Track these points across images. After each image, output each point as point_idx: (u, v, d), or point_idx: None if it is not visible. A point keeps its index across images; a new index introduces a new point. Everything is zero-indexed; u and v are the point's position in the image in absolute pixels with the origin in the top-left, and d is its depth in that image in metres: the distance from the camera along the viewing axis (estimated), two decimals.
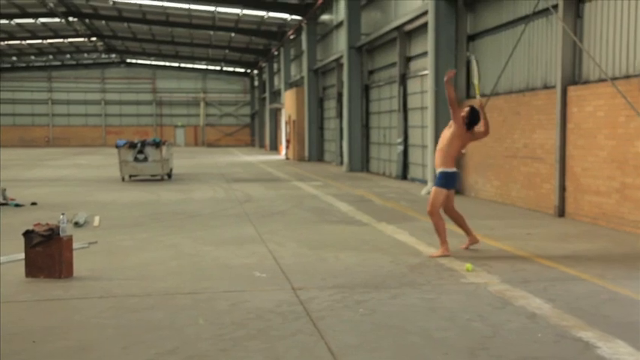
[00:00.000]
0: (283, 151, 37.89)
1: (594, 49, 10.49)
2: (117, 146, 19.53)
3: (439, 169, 8.01)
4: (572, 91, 10.86)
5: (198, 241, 9.03)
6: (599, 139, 10.18)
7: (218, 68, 59.30)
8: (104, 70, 60.32)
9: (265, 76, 49.24)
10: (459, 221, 8.24)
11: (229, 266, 7.40)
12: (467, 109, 8.14)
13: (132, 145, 19.31)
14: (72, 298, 6.08)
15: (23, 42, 47.54)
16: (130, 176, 19.60)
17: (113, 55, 57.38)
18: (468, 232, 8.26)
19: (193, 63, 57.89)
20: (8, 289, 6.40)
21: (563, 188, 11.10)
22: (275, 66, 45.78)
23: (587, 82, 10.72)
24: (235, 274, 7.01)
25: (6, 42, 46.90)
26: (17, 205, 13.14)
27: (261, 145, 52.76)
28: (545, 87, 11.92)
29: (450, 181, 8.04)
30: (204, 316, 5.43)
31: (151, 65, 59.74)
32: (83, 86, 60.31)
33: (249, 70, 57.58)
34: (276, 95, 45.45)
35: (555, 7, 11.18)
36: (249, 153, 43.16)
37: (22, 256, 7.05)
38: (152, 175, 19.61)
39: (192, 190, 16.83)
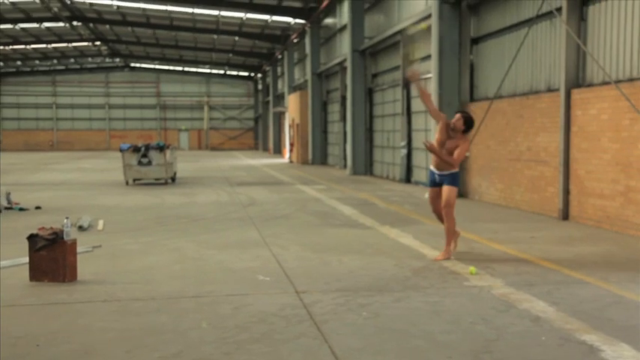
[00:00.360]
0: (287, 154, 37.91)
1: (598, 52, 10.49)
2: (121, 150, 19.56)
3: (449, 171, 7.97)
4: (576, 94, 10.85)
5: (202, 245, 9.04)
6: (603, 142, 10.17)
7: (222, 72, 59.41)
8: (108, 74, 60.48)
9: (269, 79, 49.31)
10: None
11: (233, 270, 7.41)
12: (461, 120, 7.85)
13: (136, 149, 19.35)
14: (76, 302, 6.09)
15: (28, 46, 47.72)
16: (134, 180, 19.63)
17: (117, 59, 57.53)
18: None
19: (197, 67, 58.00)
20: (13, 293, 6.42)
21: (567, 191, 11.08)
22: (279, 70, 45.83)
23: (591, 85, 10.71)
24: (239, 277, 7.02)
25: (10, 46, 47.07)
26: (21, 209, 13.18)
27: (265, 149, 52.80)
28: (549, 90, 11.91)
29: (459, 181, 8.21)
30: (207, 319, 5.44)
31: (154, 69, 59.88)
32: (87, 90, 60.45)
33: (252, 74, 57.67)
34: (279, 99, 45.49)
35: (559, 9, 11.18)
36: (253, 156, 43.21)
37: (27, 259, 7.07)
38: (156, 179, 19.64)
39: (196, 193, 16.85)
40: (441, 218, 8.26)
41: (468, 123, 7.90)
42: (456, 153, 7.83)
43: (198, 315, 5.58)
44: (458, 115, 7.92)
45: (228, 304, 5.89)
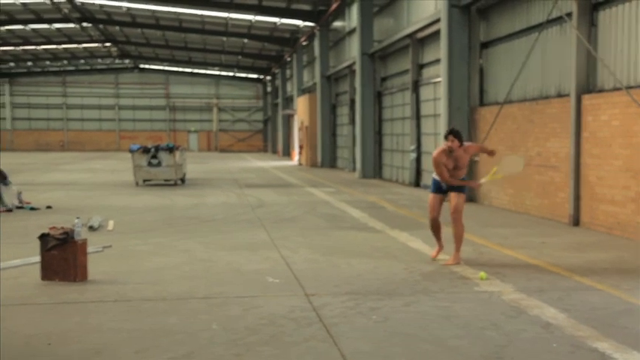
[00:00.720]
0: (296, 157, 37.94)
1: (609, 58, 10.45)
2: (130, 151, 19.64)
3: (458, 178, 8.03)
4: (587, 100, 10.81)
5: (211, 246, 9.07)
6: (614, 148, 10.13)
7: (231, 74, 59.56)
8: (118, 75, 60.74)
9: (278, 82, 49.39)
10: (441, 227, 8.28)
11: (242, 271, 7.42)
12: (455, 140, 7.89)
13: (146, 150, 19.42)
14: (87, 302, 6.12)
15: (38, 47, 47.99)
16: (144, 181, 19.69)
17: (127, 61, 57.77)
18: (441, 238, 8.27)
19: (206, 69, 58.18)
20: (24, 292, 6.46)
21: (577, 197, 11.04)
22: (288, 72, 45.91)
23: (602, 90, 10.67)
24: (248, 279, 7.03)
25: (21, 47, 47.35)
26: (33, 209, 13.25)
27: (274, 151, 52.86)
28: (559, 95, 11.88)
29: (467, 187, 8.31)
30: (217, 321, 5.45)
31: (164, 71, 60.10)
32: (97, 91, 60.73)
33: (261, 76, 57.79)
34: (288, 101, 45.56)
35: (569, 15, 11.15)
36: (262, 159, 43.26)
37: (38, 259, 7.12)
38: (166, 180, 19.70)
39: (206, 195, 16.89)
40: (435, 226, 8.19)
41: (459, 136, 7.98)
42: (489, 149, 8.55)
43: (208, 316, 5.59)
44: (450, 137, 7.93)
45: (238, 306, 5.90)
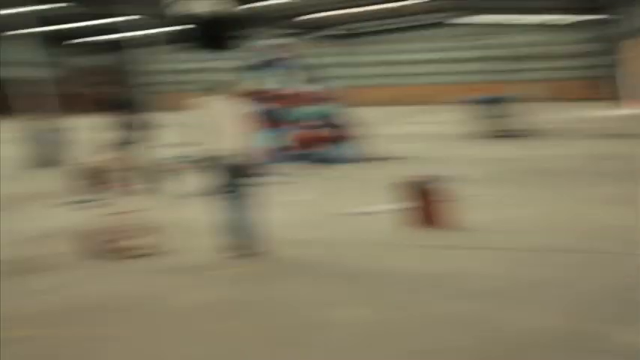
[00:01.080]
0: None
1: None
2: (469, 103, 19.53)
3: None
4: None
5: (565, 198, 8.61)
6: None
7: (559, 18, 55.60)
8: (447, 29, 61.50)
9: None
10: None
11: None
12: None
13: (488, 101, 19.18)
14: (456, 248, 6.45)
15: (373, 6, 51.22)
16: (489, 131, 18.92)
17: (455, 14, 58.01)
18: None
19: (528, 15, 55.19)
20: (390, 236, 7.05)
21: None
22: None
23: None
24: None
25: (363, 7, 50.95)
26: (384, 159, 14.23)
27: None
28: None
29: None
30: (593, 276, 5.27)
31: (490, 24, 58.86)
32: (424, 46, 62.53)
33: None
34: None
35: None
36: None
37: (402, 205, 7.54)
38: (508, 131, 18.72)
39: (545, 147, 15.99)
40: None
41: None
42: None
43: (585, 270, 5.46)
44: None
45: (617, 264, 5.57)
